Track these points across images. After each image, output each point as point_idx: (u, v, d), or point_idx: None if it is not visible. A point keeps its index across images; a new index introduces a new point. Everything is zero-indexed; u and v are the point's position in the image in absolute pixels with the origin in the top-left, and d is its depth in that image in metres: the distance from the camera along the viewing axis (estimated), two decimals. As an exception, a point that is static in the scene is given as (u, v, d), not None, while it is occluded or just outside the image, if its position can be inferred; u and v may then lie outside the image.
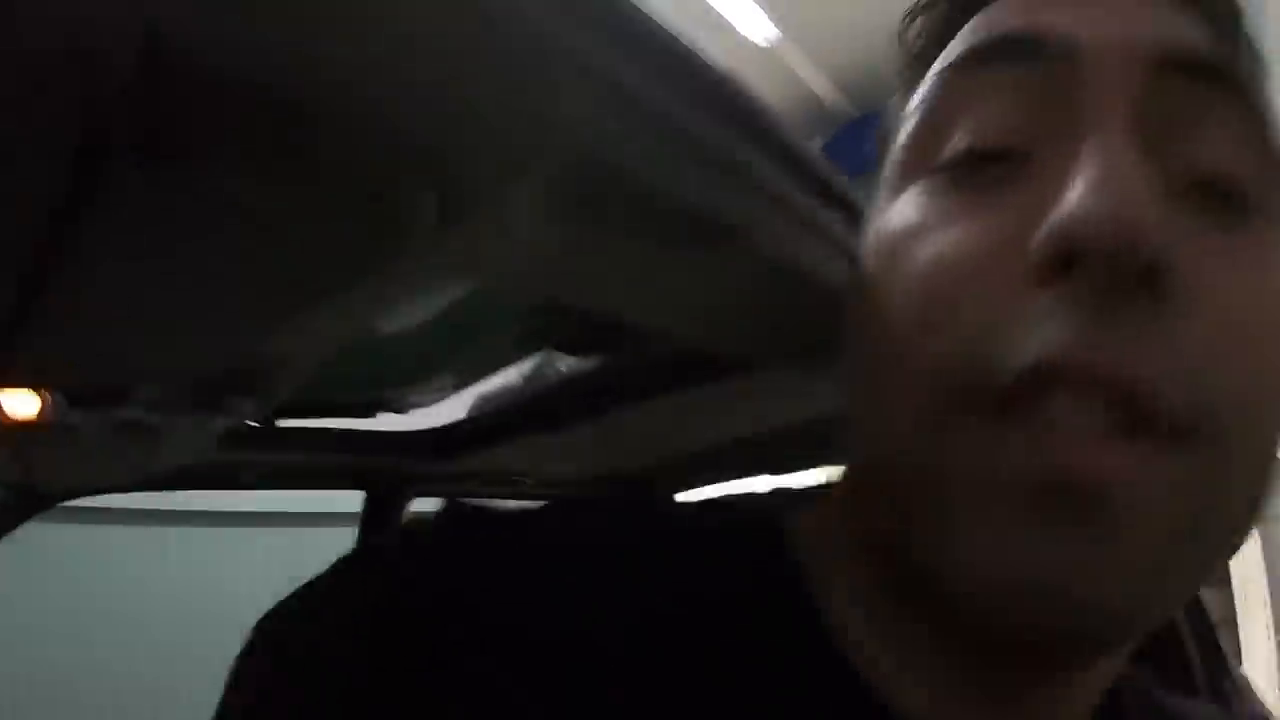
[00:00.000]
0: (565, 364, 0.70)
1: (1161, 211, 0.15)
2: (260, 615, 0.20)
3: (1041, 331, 0.15)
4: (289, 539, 2.94)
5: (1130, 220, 0.15)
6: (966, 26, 0.20)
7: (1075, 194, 0.15)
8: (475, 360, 0.89)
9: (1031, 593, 0.15)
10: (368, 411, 0.88)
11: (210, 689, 0.20)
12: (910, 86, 0.20)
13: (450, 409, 0.96)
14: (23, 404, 0.43)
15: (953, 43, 0.20)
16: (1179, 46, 0.17)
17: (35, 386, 0.43)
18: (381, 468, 0.99)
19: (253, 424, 0.78)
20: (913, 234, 0.18)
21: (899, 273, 0.18)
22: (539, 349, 0.71)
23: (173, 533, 2.56)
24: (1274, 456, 0.18)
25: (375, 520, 1.08)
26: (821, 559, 0.20)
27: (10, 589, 1.55)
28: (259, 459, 0.82)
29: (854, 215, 0.30)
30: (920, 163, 0.19)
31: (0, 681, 1.72)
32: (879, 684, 0.18)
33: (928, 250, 0.17)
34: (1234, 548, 0.18)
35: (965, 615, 0.16)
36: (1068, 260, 0.15)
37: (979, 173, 0.18)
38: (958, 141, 0.18)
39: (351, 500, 1.13)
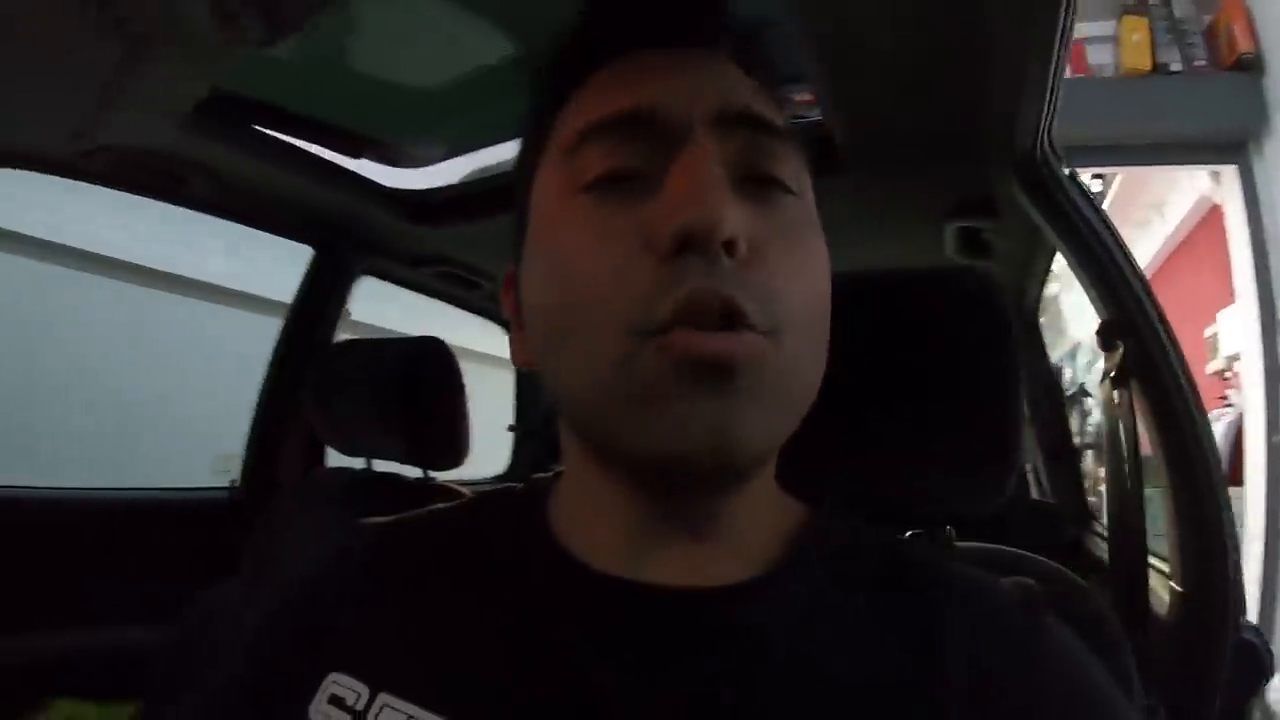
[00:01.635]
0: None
1: (731, 201, 0.26)
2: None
3: (680, 282, 0.25)
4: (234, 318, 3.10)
5: (714, 219, 0.25)
6: (579, 99, 0.30)
7: (679, 202, 0.26)
8: (477, 127, 0.83)
9: (695, 433, 0.25)
10: (353, 148, 0.84)
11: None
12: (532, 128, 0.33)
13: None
14: None
15: (573, 112, 0.30)
16: (730, 106, 0.29)
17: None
18: (340, 218, 0.93)
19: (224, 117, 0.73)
20: (581, 232, 0.28)
21: (574, 259, 0.27)
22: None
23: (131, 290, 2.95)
24: (820, 350, 0.29)
25: (318, 287, 1.03)
26: (557, 501, 0.34)
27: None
28: (218, 156, 0.76)
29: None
30: (570, 186, 0.29)
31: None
32: (582, 555, 0.30)
33: (593, 244, 0.27)
34: (805, 409, 0.29)
35: (657, 461, 0.27)
36: (681, 245, 0.25)
37: (612, 189, 0.28)
38: (593, 172, 0.28)
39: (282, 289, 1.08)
